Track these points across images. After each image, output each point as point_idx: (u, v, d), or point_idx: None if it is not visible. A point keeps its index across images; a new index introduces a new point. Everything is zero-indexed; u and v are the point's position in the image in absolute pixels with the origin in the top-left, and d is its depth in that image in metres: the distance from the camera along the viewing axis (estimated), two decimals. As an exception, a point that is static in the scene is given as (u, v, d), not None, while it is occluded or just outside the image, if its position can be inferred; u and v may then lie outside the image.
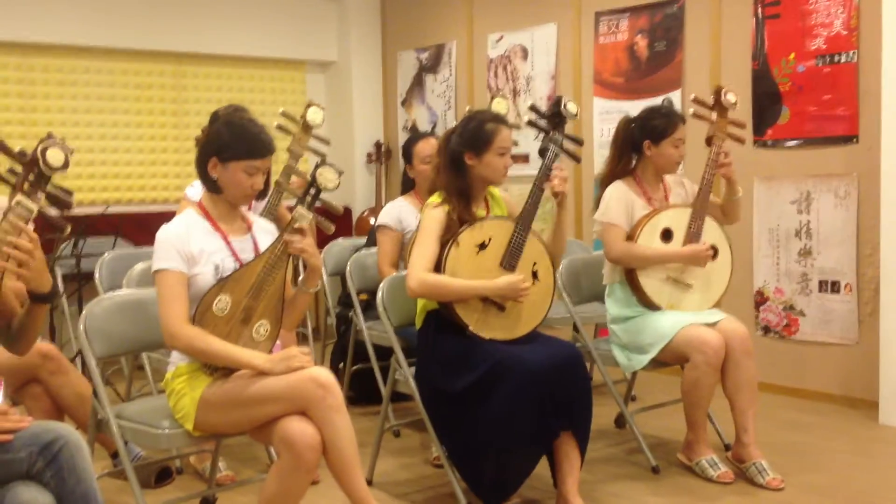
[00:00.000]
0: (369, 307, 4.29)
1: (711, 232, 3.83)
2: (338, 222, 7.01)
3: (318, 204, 2.90)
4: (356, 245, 4.86)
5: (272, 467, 2.75)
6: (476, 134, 3.38)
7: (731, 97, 3.86)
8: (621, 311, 3.84)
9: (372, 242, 4.62)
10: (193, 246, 2.81)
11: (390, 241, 4.25)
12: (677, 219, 3.79)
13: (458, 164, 3.40)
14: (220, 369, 2.79)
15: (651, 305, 3.77)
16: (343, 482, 2.71)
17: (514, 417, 3.14)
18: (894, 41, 4.30)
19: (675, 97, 5.38)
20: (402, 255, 4.23)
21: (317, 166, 2.90)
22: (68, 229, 2.36)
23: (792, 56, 4.88)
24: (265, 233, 3.00)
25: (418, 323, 3.46)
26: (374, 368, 4.23)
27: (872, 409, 4.50)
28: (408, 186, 4.46)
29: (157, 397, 3.30)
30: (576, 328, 4.16)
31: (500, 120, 3.45)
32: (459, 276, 3.28)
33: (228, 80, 6.94)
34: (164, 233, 2.82)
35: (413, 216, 4.23)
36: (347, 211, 7.26)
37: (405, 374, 3.51)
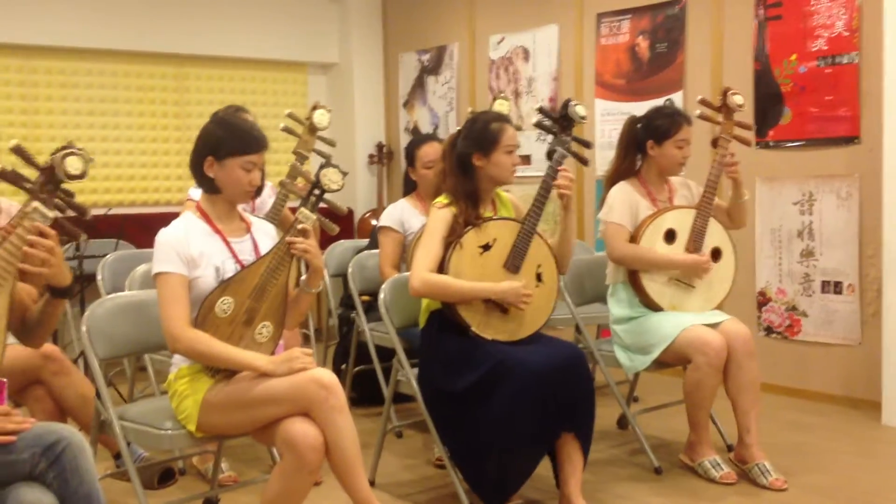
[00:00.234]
0: (371, 308, 4.29)
1: (715, 233, 3.82)
2: (340, 224, 7.06)
3: (321, 205, 2.91)
4: (358, 246, 4.86)
5: (275, 468, 2.75)
6: (483, 134, 3.38)
7: (737, 99, 3.86)
8: (624, 312, 3.84)
9: (374, 244, 4.62)
10: (193, 248, 2.80)
11: (392, 243, 4.25)
12: (681, 220, 3.79)
13: (466, 167, 3.40)
14: (223, 371, 2.79)
15: (653, 306, 3.77)
16: (345, 483, 2.71)
17: (515, 418, 3.13)
18: (896, 42, 4.31)
19: (677, 98, 5.38)
20: (403, 257, 4.23)
21: (321, 167, 2.90)
22: (83, 237, 2.38)
23: (794, 57, 4.88)
24: (264, 234, 3.00)
25: (421, 322, 3.46)
26: (377, 369, 4.22)
27: (875, 409, 4.50)
28: (410, 188, 4.45)
29: (159, 398, 3.30)
30: (578, 329, 4.16)
31: (504, 119, 3.47)
32: (463, 278, 3.28)
33: (230, 82, 6.95)
34: (163, 236, 2.82)
35: (415, 218, 4.23)
36: (349, 212, 7.27)
37: (407, 375, 3.51)
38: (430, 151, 4.26)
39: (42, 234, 2.32)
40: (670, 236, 3.78)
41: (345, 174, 2.92)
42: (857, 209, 4.67)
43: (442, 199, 3.40)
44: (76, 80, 6.29)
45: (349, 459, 2.68)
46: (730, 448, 3.93)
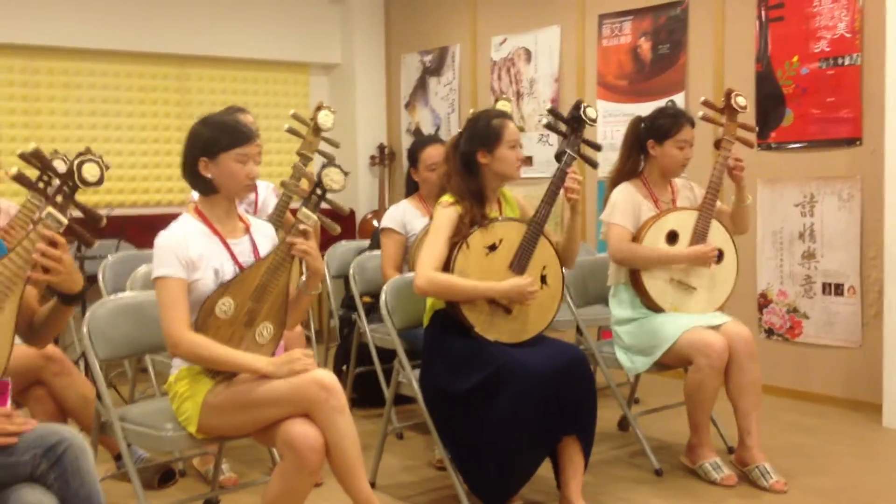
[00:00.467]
0: (373, 310, 4.29)
1: (717, 235, 3.82)
2: (341, 225, 7.07)
3: (323, 205, 2.90)
4: (360, 247, 4.86)
5: (275, 469, 2.75)
6: (485, 131, 3.39)
7: (741, 100, 3.86)
8: (625, 313, 3.83)
9: (375, 245, 4.62)
10: (192, 251, 2.80)
11: (394, 244, 4.25)
12: (683, 221, 3.79)
13: (471, 166, 3.40)
14: (223, 372, 2.80)
15: (655, 308, 3.77)
16: (346, 484, 2.71)
17: (518, 420, 3.14)
18: (898, 44, 4.31)
19: (679, 99, 5.38)
20: (405, 259, 4.23)
21: (322, 167, 2.90)
22: (96, 244, 2.39)
23: (795, 58, 4.88)
24: (263, 235, 2.99)
25: (425, 321, 3.46)
26: (378, 371, 4.23)
27: (876, 411, 4.50)
28: (412, 189, 4.45)
29: (160, 400, 3.30)
30: (579, 330, 4.16)
31: (504, 115, 3.48)
32: (468, 278, 3.28)
33: (232, 83, 6.95)
34: (162, 239, 2.81)
35: (417, 219, 4.22)
36: (351, 213, 7.27)
37: (408, 376, 3.51)
38: (434, 153, 4.25)
39: (53, 242, 2.31)
40: (672, 237, 3.78)
41: (346, 174, 2.92)
42: (859, 211, 4.67)
43: (447, 198, 3.39)
44: (78, 81, 6.30)
45: (350, 461, 2.68)
46: (730, 450, 3.93)
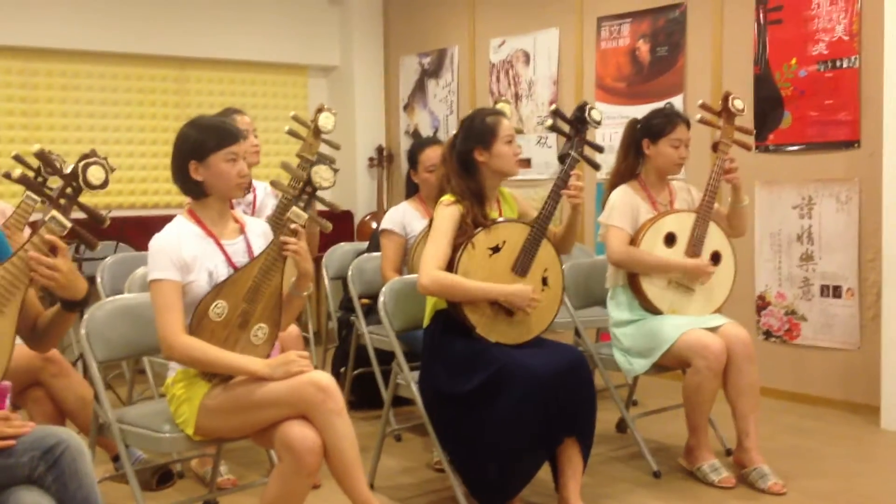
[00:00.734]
0: (371, 311, 4.29)
1: (715, 237, 3.83)
2: (340, 227, 7.09)
3: (317, 206, 2.90)
4: (358, 249, 4.86)
5: (273, 471, 2.75)
6: (480, 129, 3.40)
7: (738, 103, 3.86)
8: (623, 316, 3.84)
9: (374, 247, 4.62)
10: (186, 253, 2.79)
11: (393, 246, 4.25)
12: (681, 223, 3.79)
13: (469, 165, 3.41)
14: (219, 375, 2.79)
15: (653, 310, 3.77)
16: (345, 486, 2.71)
17: (518, 421, 3.14)
18: (896, 46, 4.31)
19: (677, 102, 5.38)
20: (405, 260, 4.23)
21: (311, 165, 2.89)
22: (98, 246, 2.38)
23: (794, 61, 4.89)
24: (258, 234, 2.98)
25: (426, 320, 3.46)
26: (376, 373, 4.22)
27: (874, 414, 4.50)
28: (412, 191, 4.45)
29: (158, 401, 3.30)
30: (577, 332, 4.16)
31: (498, 112, 3.50)
32: (471, 278, 3.28)
33: (231, 85, 6.95)
34: (156, 242, 2.81)
35: (416, 221, 4.23)
36: (349, 215, 7.27)
37: (407, 378, 3.51)
38: (433, 155, 4.25)
39: (52, 248, 2.30)
40: (670, 240, 3.78)
41: (336, 171, 2.92)
42: (857, 213, 4.67)
43: (448, 197, 3.39)
44: (77, 83, 6.29)
45: (348, 462, 2.67)
46: (728, 452, 3.93)
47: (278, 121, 6.91)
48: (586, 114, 3.51)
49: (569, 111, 3.59)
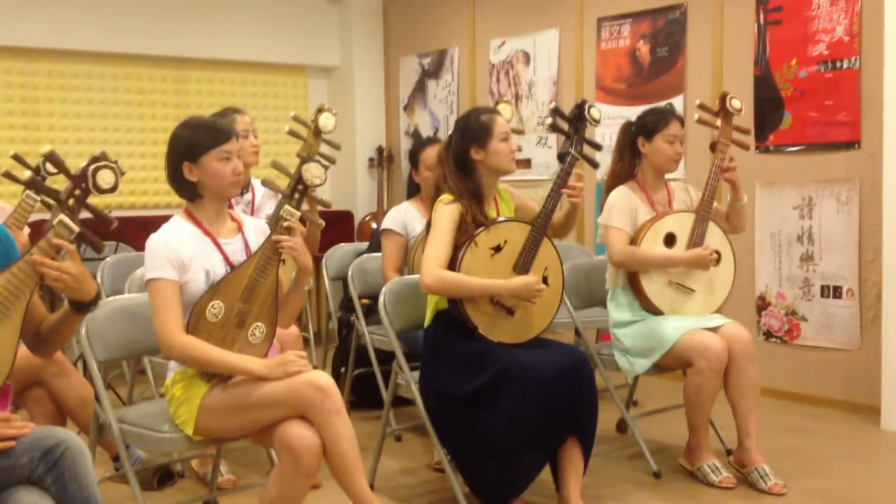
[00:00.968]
0: (371, 312, 4.29)
1: (714, 237, 3.83)
2: (340, 227, 7.09)
3: (311, 206, 2.89)
4: (358, 250, 4.86)
5: (273, 471, 2.74)
6: (475, 127, 3.41)
7: (736, 103, 3.86)
8: (623, 316, 3.84)
9: (374, 247, 4.62)
10: (183, 252, 2.79)
11: (395, 246, 4.25)
12: (681, 223, 3.79)
13: (465, 164, 3.41)
14: (218, 375, 2.79)
15: (653, 310, 3.77)
16: (345, 485, 2.71)
17: (521, 421, 3.14)
18: (896, 47, 4.31)
19: (678, 102, 5.38)
20: (406, 260, 4.23)
21: (302, 162, 2.89)
22: (105, 249, 2.37)
23: (794, 62, 4.89)
24: (256, 232, 2.97)
25: (427, 321, 3.46)
26: (376, 373, 4.22)
27: (874, 414, 4.50)
28: (413, 191, 4.45)
29: (158, 401, 3.30)
30: (578, 332, 4.16)
31: (492, 110, 3.52)
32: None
33: (231, 85, 6.96)
34: (153, 242, 2.80)
35: (418, 221, 4.23)
36: (349, 216, 7.27)
37: (407, 378, 3.51)
38: (434, 154, 4.25)
39: (58, 251, 2.30)
40: (670, 240, 3.78)
41: (326, 168, 2.92)
42: (857, 214, 4.67)
43: (447, 196, 3.39)
44: (76, 83, 6.30)
45: (347, 462, 2.67)
46: (728, 452, 3.93)
47: (278, 121, 6.91)
48: (585, 112, 3.51)
49: (568, 111, 3.60)
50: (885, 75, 4.36)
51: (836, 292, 4.78)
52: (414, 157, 4.42)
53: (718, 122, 3.87)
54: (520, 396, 3.13)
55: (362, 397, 4.77)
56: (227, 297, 2.78)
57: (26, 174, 2.34)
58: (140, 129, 6.55)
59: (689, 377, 3.63)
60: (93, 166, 2.35)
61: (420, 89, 7.14)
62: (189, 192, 2.86)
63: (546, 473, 3.37)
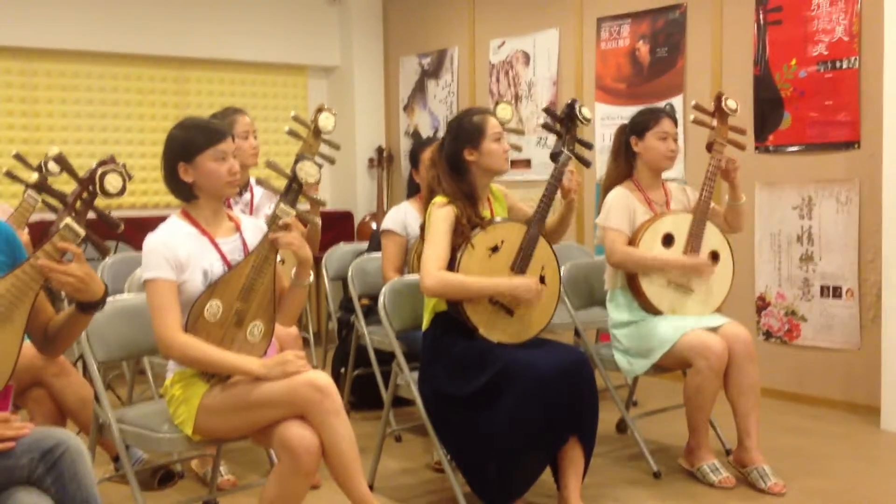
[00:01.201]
0: (371, 312, 4.29)
1: (713, 237, 3.83)
2: (340, 227, 7.09)
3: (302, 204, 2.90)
4: (358, 250, 4.86)
5: (272, 471, 2.74)
6: (468, 128, 3.42)
7: (731, 103, 3.87)
8: (623, 317, 3.84)
9: (374, 247, 4.62)
10: (180, 252, 2.79)
11: (395, 246, 4.25)
12: (679, 224, 3.79)
13: (459, 166, 3.42)
14: (217, 375, 2.79)
15: (653, 310, 3.77)
16: (344, 486, 2.71)
17: (522, 420, 3.14)
18: (896, 47, 4.31)
19: (677, 103, 5.38)
20: (406, 261, 4.23)
21: (296, 161, 2.89)
22: (111, 252, 2.37)
23: (793, 62, 4.89)
24: (254, 231, 2.96)
25: (425, 323, 3.46)
26: (376, 373, 4.23)
27: (874, 414, 4.50)
28: (413, 191, 4.45)
29: (158, 401, 3.30)
30: (577, 333, 4.16)
31: (484, 111, 3.53)
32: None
33: (230, 85, 6.96)
34: (150, 242, 2.80)
35: (417, 221, 4.22)
36: (349, 216, 7.27)
37: (407, 378, 3.51)
38: None
39: (63, 255, 2.30)
40: (668, 240, 3.78)
41: (320, 166, 2.92)
42: (857, 214, 4.67)
43: (441, 198, 3.39)
44: (76, 83, 6.30)
45: (346, 462, 2.67)
46: (728, 452, 3.93)
47: (278, 121, 6.91)
48: (576, 111, 3.53)
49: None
50: (884, 75, 4.36)
51: (836, 292, 4.78)
52: (414, 157, 4.42)
53: (714, 123, 3.88)
54: (520, 396, 3.13)
55: (362, 397, 4.78)
56: (225, 297, 2.78)
57: (34, 176, 2.34)
58: (140, 129, 6.55)
59: (689, 377, 3.63)
60: (100, 170, 2.34)
61: (420, 89, 7.14)
62: (185, 192, 2.86)
63: (547, 473, 3.37)
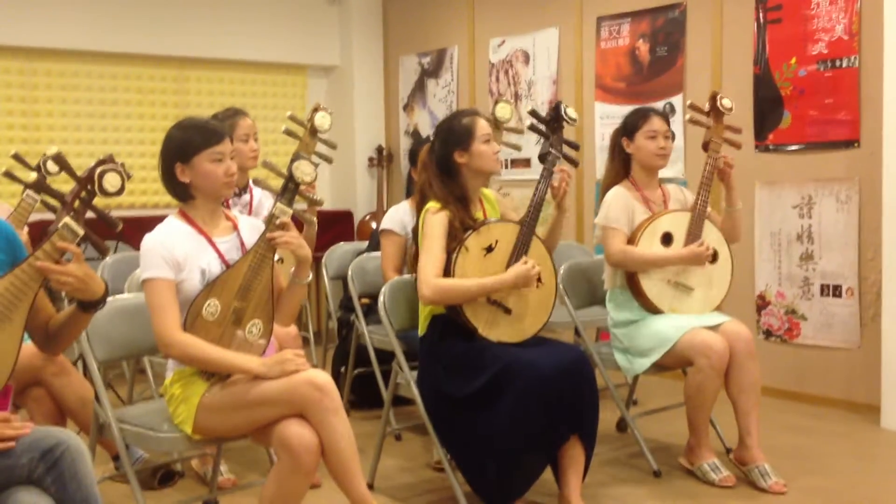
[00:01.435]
0: (371, 311, 4.29)
1: (711, 235, 3.83)
2: (339, 227, 7.09)
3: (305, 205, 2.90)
4: (358, 249, 4.86)
5: (271, 470, 2.75)
6: (457, 131, 3.44)
7: (726, 102, 3.87)
8: (623, 316, 3.84)
9: (373, 247, 4.62)
10: (178, 252, 2.79)
11: (394, 246, 4.25)
12: (677, 222, 3.80)
13: (449, 168, 3.43)
14: (217, 374, 2.80)
15: (653, 309, 3.77)
16: (343, 485, 2.71)
17: (522, 419, 3.14)
18: (896, 45, 4.31)
19: (677, 102, 5.38)
20: (405, 260, 4.23)
21: (292, 160, 2.89)
22: (110, 252, 2.37)
23: (793, 60, 4.89)
24: (252, 230, 2.96)
25: (422, 328, 3.46)
26: (376, 372, 4.23)
27: (874, 413, 4.50)
28: (412, 190, 4.45)
29: (158, 401, 3.30)
30: (577, 332, 4.16)
31: (473, 112, 3.54)
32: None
33: (230, 85, 6.96)
34: (148, 241, 2.81)
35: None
36: (349, 215, 7.27)
37: (407, 377, 3.51)
38: None
39: (62, 255, 2.30)
40: (667, 239, 3.78)
41: (317, 165, 2.92)
42: (857, 213, 4.67)
43: (434, 205, 3.40)
44: (76, 83, 6.30)
45: (345, 461, 2.67)
46: (728, 451, 3.93)
47: (277, 121, 6.89)
48: (562, 112, 3.56)
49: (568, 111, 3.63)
50: (884, 74, 4.36)
51: (836, 291, 4.78)
52: (414, 157, 4.42)
53: (710, 122, 3.88)
54: (520, 395, 3.13)
55: (362, 397, 4.78)
56: (223, 296, 2.78)
57: (32, 176, 2.34)
58: (140, 129, 6.55)
59: (690, 376, 3.63)
60: (99, 169, 2.34)
61: (420, 88, 7.14)
62: (182, 193, 2.87)
63: (547, 472, 3.37)
